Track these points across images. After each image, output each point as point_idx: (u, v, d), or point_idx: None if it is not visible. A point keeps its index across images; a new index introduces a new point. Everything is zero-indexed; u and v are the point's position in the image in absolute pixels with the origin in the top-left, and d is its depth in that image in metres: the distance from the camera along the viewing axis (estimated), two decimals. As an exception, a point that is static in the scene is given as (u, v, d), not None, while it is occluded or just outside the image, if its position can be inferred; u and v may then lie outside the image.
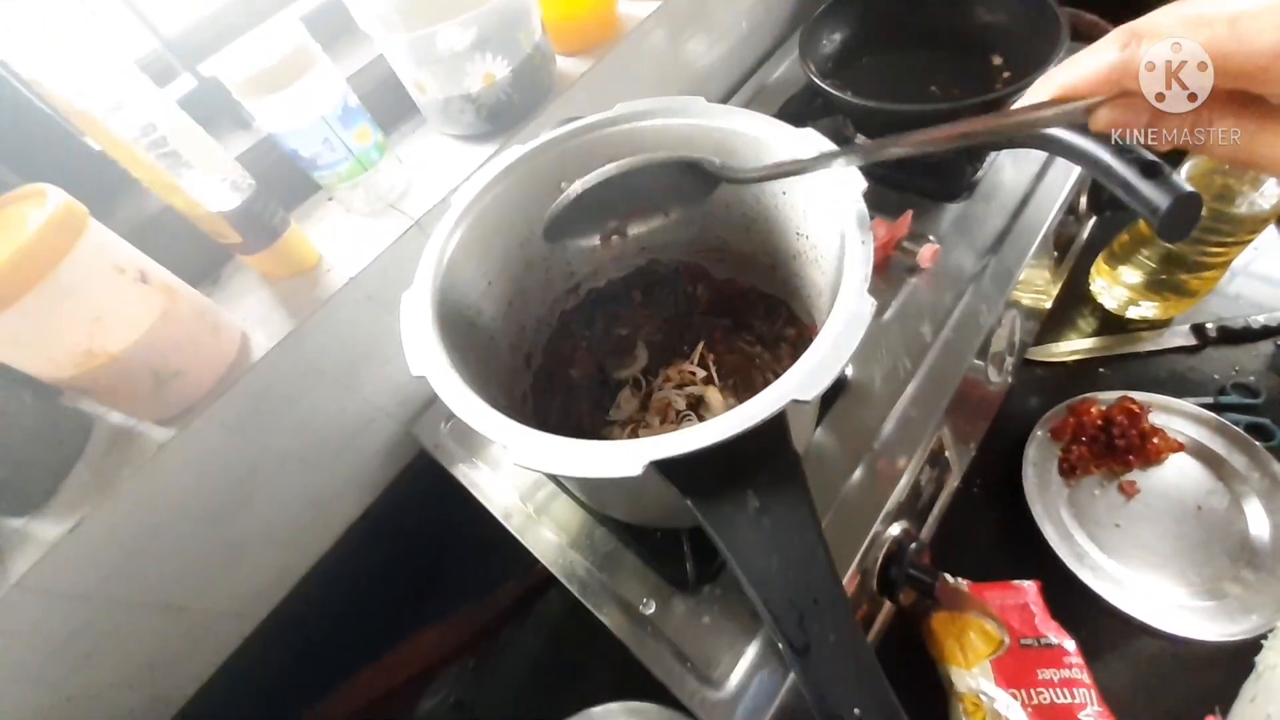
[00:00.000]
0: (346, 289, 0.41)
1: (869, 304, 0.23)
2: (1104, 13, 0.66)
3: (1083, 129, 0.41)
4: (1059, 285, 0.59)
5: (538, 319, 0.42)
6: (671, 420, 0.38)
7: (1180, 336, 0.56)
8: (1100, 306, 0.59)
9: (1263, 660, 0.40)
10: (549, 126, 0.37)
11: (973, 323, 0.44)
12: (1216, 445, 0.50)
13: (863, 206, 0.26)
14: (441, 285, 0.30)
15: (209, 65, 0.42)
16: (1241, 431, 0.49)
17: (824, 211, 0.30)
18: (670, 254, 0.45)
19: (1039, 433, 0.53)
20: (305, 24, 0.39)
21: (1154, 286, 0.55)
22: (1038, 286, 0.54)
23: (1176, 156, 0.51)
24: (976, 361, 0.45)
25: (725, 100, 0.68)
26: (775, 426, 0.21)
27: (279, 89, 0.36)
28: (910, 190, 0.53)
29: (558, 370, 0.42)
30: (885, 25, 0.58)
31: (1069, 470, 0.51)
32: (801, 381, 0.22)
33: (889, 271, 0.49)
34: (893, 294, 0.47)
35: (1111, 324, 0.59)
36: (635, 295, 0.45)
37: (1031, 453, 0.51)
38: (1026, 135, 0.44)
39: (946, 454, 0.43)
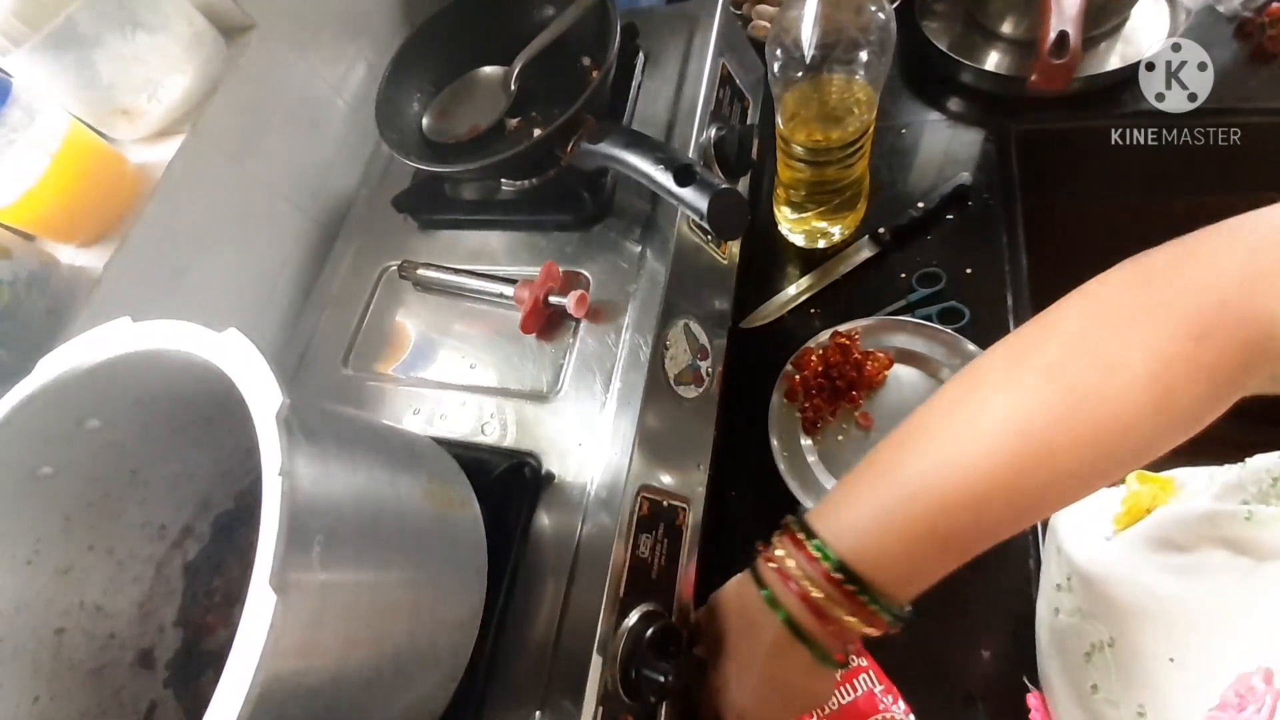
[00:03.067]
0: None
1: (267, 602, 0.18)
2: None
3: (627, 138, 0.39)
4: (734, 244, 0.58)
5: (139, 604, 0.34)
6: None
7: (866, 249, 0.57)
8: (799, 247, 0.60)
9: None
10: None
11: (635, 361, 0.41)
12: (917, 345, 0.51)
13: (272, 432, 0.21)
14: None
15: None
16: (931, 323, 0.51)
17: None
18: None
19: (775, 400, 0.52)
20: None
21: (820, 213, 0.56)
22: (715, 262, 0.52)
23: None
24: (667, 393, 0.42)
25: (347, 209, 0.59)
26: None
27: None
28: (549, 228, 0.49)
29: (199, 645, 0.34)
30: (462, 62, 0.53)
31: (811, 427, 0.51)
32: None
33: (552, 335, 0.45)
34: (562, 360, 0.43)
35: (813, 258, 0.59)
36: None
37: (773, 427, 0.51)
38: (583, 153, 0.41)
39: (667, 503, 0.41)
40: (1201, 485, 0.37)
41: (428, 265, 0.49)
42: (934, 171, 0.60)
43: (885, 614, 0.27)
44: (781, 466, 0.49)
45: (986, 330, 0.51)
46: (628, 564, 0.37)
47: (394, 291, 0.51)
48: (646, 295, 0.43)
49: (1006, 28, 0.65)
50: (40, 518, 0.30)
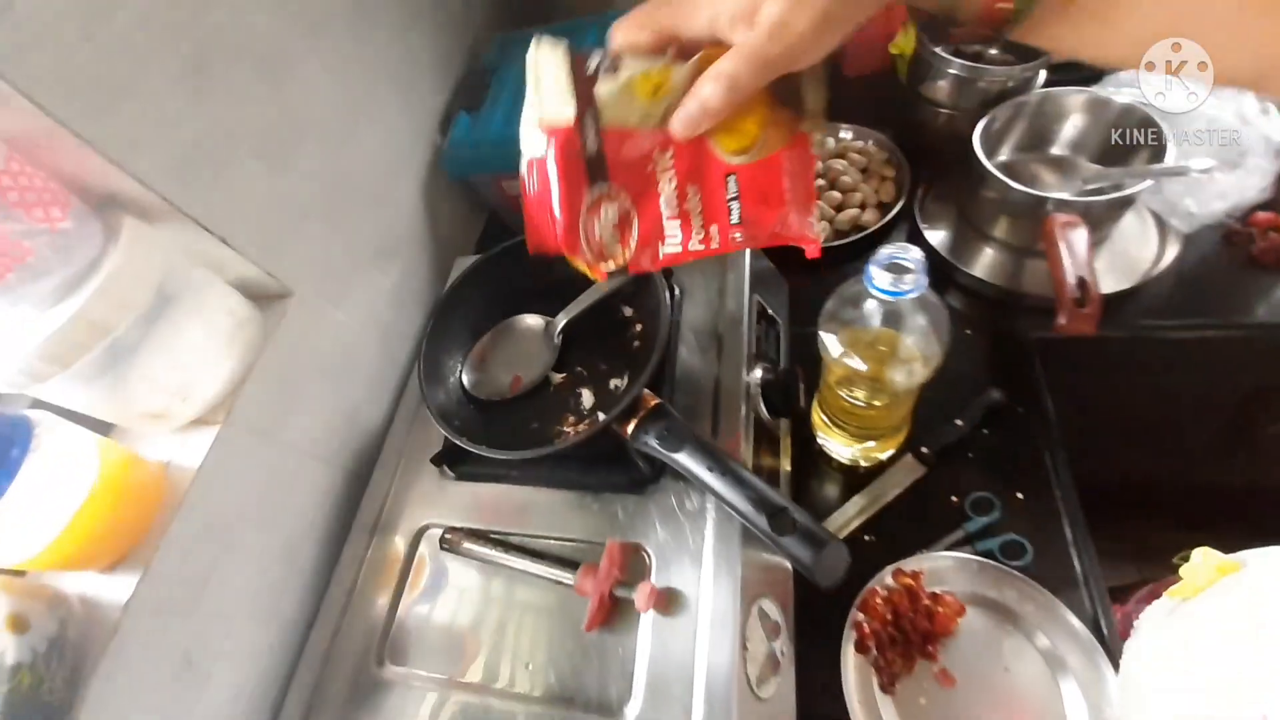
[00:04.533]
0: None
1: None
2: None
3: (724, 472, 0.38)
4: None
5: None
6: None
7: (912, 470, 0.56)
8: (839, 462, 0.59)
9: None
10: None
11: (719, 674, 0.38)
12: (987, 589, 0.49)
13: None
14: None
15: None
16: (995, 562, 0.50)
17: None
18: None
19: (846, 653, 0.48)
20: None
21: (865, 439, 0.55)
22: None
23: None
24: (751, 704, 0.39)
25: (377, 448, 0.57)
26: None
27: None
28: (604, 490, 0.47)
29: None
30: (499, 310, 0.53)
31: (888, 686, 0.47)
32: None
33: (615, 624, 0.41)
34: (630, 663, 0.39)
35: (857, 474, 0.58)
36: None
37: (848, 689, 0.47)
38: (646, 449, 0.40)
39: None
40: (1270, 565, 0.37)
41: (473, 536, 0.46)
42: (965, 382, 0.60)
43: None
44: (863, 738, 0.45)
45: (1052, 568, 0.49)
46: None
47: (434, 561, 0.47)
48: (717, 581, 0.41)
49: (999, 232, 0.69)
50: None
